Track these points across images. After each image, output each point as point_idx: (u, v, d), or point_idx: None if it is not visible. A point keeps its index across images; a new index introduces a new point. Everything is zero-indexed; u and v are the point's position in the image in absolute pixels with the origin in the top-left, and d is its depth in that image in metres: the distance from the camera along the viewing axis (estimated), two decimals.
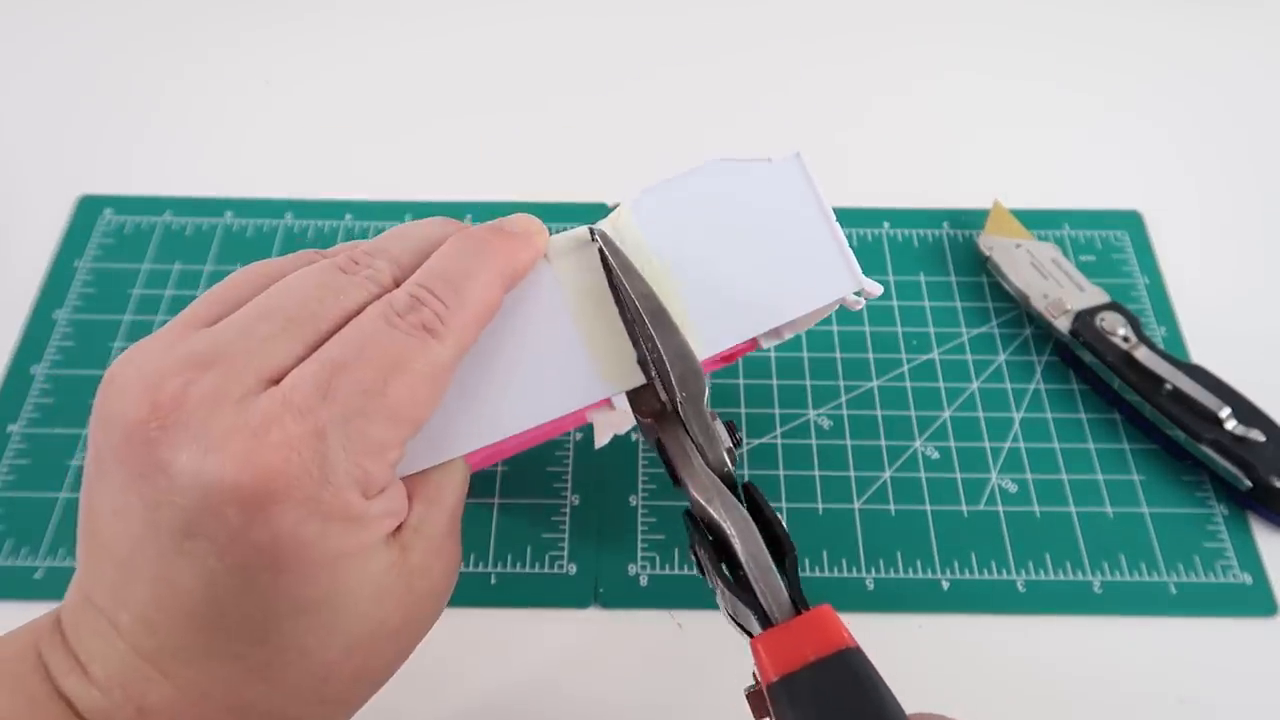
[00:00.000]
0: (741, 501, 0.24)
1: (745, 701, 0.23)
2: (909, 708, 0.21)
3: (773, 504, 0.37)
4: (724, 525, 0.23)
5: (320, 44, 0.54)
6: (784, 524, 0.24)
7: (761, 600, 0.22)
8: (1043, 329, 0.42)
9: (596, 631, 0.35)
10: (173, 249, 0.45)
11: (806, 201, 0.29)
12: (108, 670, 0.21)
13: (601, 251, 0.27)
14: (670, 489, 0.38)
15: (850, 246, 0.28)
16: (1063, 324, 0.40)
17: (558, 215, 0.44)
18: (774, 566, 0.23)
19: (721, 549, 0.24)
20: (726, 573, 0.24)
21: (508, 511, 0.38)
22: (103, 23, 0.54)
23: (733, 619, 0.24)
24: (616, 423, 0.34)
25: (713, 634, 0.35)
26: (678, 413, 0.25)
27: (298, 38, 0.54)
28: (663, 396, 0.26)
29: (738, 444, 0.26)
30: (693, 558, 0.25)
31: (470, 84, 0.52)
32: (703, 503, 0.24)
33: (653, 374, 0.26)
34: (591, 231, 0.28)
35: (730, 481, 0.25)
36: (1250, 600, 0.36)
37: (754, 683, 0.22)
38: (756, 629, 0.22)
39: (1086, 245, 0.45)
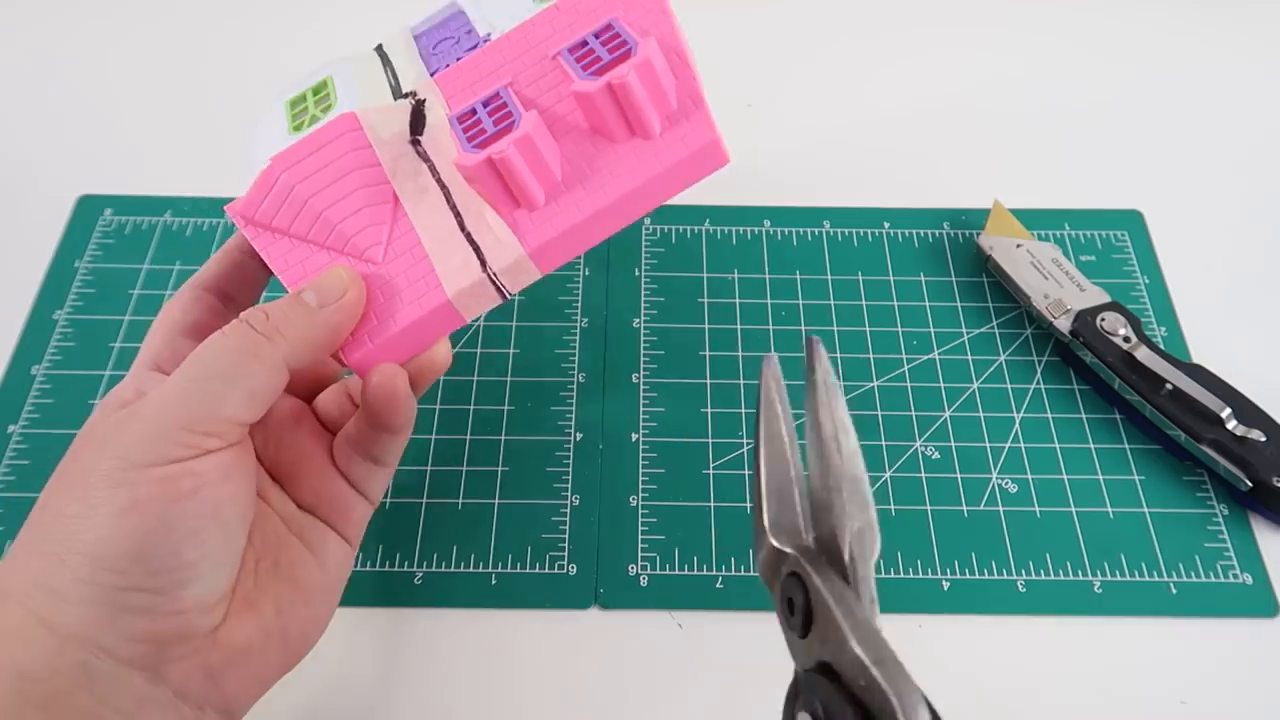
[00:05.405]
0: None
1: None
2: None
3: None
4: (891, 699, 0.20)
5: (322, 45, 0.54)
6: None
7: None
8: (1043, 329, 0.42)
9: (596, 632, 0.35)
10: (173, 249, 0.45)
11: None
12: None
13: None
14: (670, 489, 0.38)
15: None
16: (1063, 324, 0.40)
17: None
18: None
19: None
20: None
21: (508, 511, 0.38)
22: (103, 23, 0.54)
23: None
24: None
25: (713, 634, 0.35)
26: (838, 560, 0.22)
27: (299, 38, 0.54)
28: (803, 531, 0.23)
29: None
30: None
31: None
32: (868, 663, 0.20)
33: (798, 502, 0.24)
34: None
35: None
36: (1250, 600, 0.36)
37: None
38: None
39: (1087, 245, 0.45)
